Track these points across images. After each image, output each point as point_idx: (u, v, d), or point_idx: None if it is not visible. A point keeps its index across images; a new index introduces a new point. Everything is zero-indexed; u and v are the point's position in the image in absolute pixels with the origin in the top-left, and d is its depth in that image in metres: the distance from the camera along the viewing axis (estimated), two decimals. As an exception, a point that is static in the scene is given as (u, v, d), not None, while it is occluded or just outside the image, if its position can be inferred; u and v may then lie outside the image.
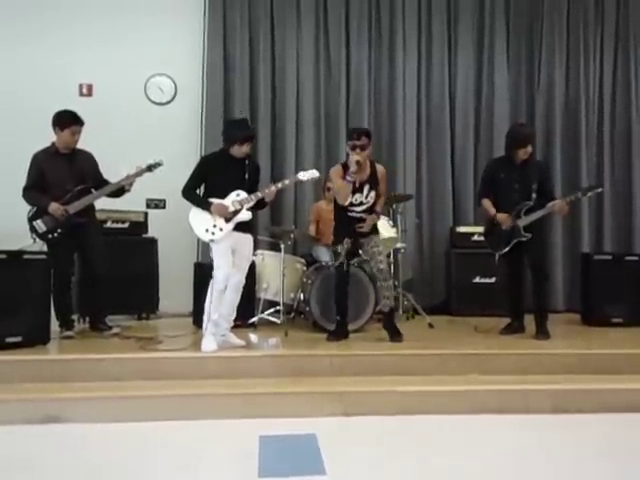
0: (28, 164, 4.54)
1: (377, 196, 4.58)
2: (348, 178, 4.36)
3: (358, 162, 4.35)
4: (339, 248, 4.48)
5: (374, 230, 4.64)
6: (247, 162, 4.25)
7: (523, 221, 4.63)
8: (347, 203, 4.48)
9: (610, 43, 6.77)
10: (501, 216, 4.71)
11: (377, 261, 4.48)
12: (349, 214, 4.51)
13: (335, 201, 4.62)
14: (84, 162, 4.65)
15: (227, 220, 4.14)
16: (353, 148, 4.40)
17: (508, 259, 4.84)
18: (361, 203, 4.51)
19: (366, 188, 4.51)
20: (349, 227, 4.50)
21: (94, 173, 4.70)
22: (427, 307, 5.86)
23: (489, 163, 5.20)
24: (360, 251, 4.64)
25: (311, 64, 6.44)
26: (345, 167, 4.50)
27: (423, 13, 6.61)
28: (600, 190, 4.89)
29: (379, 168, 4.63)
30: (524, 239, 4.63)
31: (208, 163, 4.32)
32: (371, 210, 4.57)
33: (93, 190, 4.63)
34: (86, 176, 4.61)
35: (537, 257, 4.73)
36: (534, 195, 4.64)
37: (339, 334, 4.57)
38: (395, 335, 4.48)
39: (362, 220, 4.50)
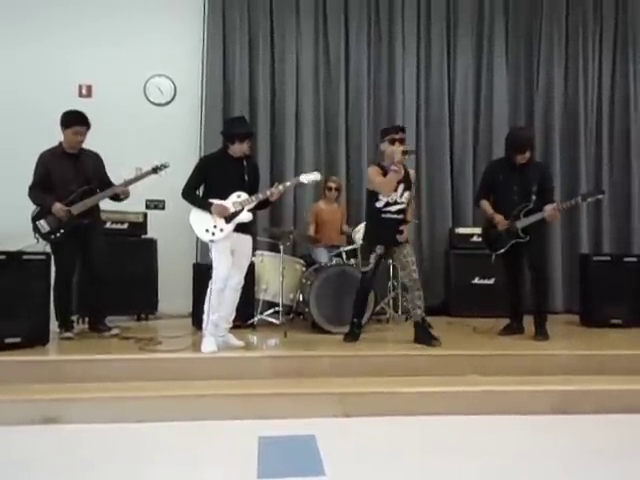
0: (29, 164, 4.53)
1: (408, 202, 4.54)
2: (394, 168, 4.29)
3: (404, 152, 4.35)
4: (371, 257, 4.46)
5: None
6: (245, 163, 4.27)
7: (522, 222, 4.63)
8: (383, 204, 4.41)
9: (609, 44, 6.79)
10: (498, 217, 4.73)
11: (410, 270, 4.45)
12: (383, 215, 4.45)
13: (368, 202, 4.54)
14: (90, 163, 4.65)
15: (227, 221, 4.15)
16: (392, 142, 4.37)
17: (506, 260, 4.85)
18: (396, 202, 4.45)
19: (401, 187, 4.45)
20: (382, 231, 4.46)
21: (100, 174, 4.70)
22: (426, 308, 5.81)
23: (489, 165, 5.22)
24: (390, 259, 4.61)
25: (310, 66, 6.45)
26: (381, 166, 4.47)
27: (422, 16, 6.63)
28: (601, 197, 4.86)
29: (411, 171, 4.62)
30: (522, 240, 4.65)
31: (207, 164, 4.32)
32: (404, 214, 4.51)
33: (98, 191, 4.63)
34: (91, 177, 4.60)
35: (537, 258, 4.73)
36: (534, 197, 4.64)
37: (357, 335, 4.58)
38: (433, 340, 4.40)
39: (396, 223, 4.44)
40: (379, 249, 4.46)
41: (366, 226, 4.69)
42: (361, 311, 4.66)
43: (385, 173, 4.42)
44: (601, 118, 6.76)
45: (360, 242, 5.27)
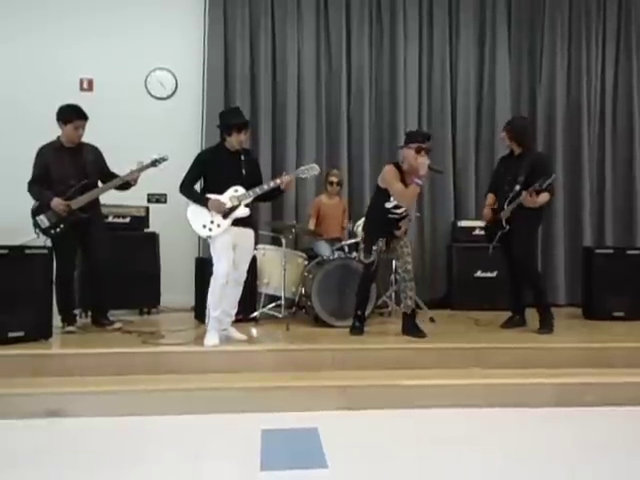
0: (30, 157, 4.52)
1: None
2: (418, 181, 4.23)
3: (431, 168, 4.31)
4: (373, 249, 4.47)
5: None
6: (243, 157, 4.25)
7: (504, 213, 4.68)
8: (392, 205, 4.40)
9: (612, 35, 6.74)
10: (485, 212, 4.89)
11: (405, 261, 4.48)
12: (390, 216, 4.47)
13: (377, 199, 4.52)
14: (89, 156, 4.63)
15: (224, 216, 4.14)
16: (419, 151, 4.27)
17: (504, 253, 4.86)
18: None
19: None
20: (386, 228, 4.50)
21: (100, 167, 4.68)
22: (428, 301, 5.86)
23: (498, 159, 5.26)
24: (388, 250, 4.62)
25: (312, 56, 6.41)
26: (399, 168, 4.42)
27: (424, 6, 6.57)
28: (553, 178, 4.62)
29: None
30: (501, 231, 4.69)
31: (205, 158, 4.30)
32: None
33: (99, 184, 4.62)
34: (91, 171, 4.58)
35: (518, 252, 4.67)
36: (517, 187, 4.63)
37: (361, 328, 4.60)
38: (418, 333, 4.44)
39: (398, 221, 4.49)
40: (381, 242, 4.48)
41: (368, 219, 4.69)
42: (364, 302, 4.67)
43: (402, 174, 4.38)
44: (604, 111, 6.71)
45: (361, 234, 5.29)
